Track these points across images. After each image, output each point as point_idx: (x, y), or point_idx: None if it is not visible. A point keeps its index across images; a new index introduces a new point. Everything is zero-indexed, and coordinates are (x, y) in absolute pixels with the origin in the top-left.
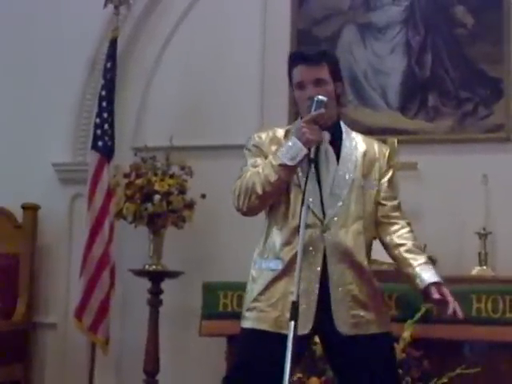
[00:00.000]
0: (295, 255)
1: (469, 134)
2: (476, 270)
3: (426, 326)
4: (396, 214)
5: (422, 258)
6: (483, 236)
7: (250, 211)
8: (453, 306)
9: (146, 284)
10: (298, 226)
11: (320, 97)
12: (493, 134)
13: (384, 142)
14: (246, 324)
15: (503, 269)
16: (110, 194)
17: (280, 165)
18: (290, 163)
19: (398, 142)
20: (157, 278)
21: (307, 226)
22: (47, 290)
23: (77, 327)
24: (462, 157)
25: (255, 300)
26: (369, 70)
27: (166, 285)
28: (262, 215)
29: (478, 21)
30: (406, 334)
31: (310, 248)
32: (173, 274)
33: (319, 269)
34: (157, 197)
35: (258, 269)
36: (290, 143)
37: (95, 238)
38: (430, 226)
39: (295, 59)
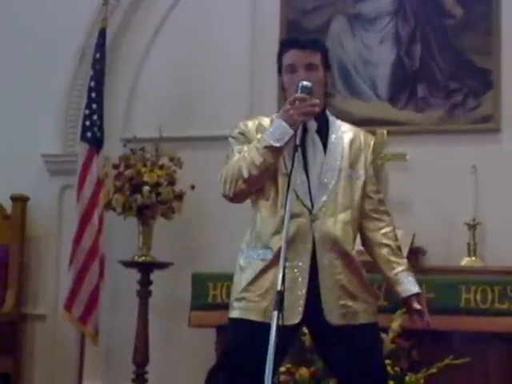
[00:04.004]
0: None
1: (458, 124)
2: (465, 261)
3: None
4: (383, 208)
5: (404, 263)
6: (472, 227)
7: (236, 197)
8: (427, 317)
9: (135, 275)
10: (289, 215)
11: (305, 82)
12: (482, 125)
13: (373, 132)
14: (235, 314)
15: (492, 259)
16: (99, 185)
17: (265, 147)
18: (276, 144)
19: (388, 133)
20: (146, 269)
21: (296, 215)
22: (36, 281)
23: (66, 318)
24: (451, 147)
25: (244, 290)
26: (358, 61)
27: (155, 276)
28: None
29: (467, 12)
30: (395, 325)
31: (299, 237)
32: (162, 265)
33: (309, 259)
34: (146, 188)
35: (246, 258)
36: (275, 124)
37: (84, 229)
38: (420, 217)
39: (287, 44)
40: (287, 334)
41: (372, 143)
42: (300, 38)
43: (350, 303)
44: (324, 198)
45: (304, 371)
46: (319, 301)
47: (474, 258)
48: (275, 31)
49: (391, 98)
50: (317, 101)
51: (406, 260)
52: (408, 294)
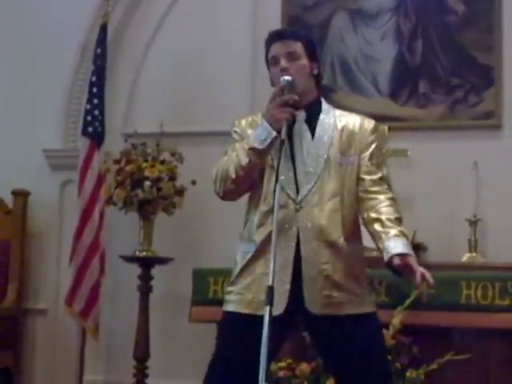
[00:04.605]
0: (267, 236)
1: (459, 120)
2: (466, 257)
3: (416, 312)
4: (375, 188)
5: (393, 231)
6: (473, 223)
7: (226, 195)
8: (420, 273)
9: (136, 270)
10: (272, 208)
11: (286, 77)
12: (483, 121)
13: None
14: (225, 307)
15: (493, 256)
16: (100, 180)
17: (250, 148)
18: (259, 146)
19: (389, 129)
20: (147, 264)
21: (281, 207)
22: (37, 276)
23: (67, 313)
24: (452, 144)
25: (232, 283)
26: (359, 57)
27: (156, 271)
28: None
29: (468, 8)
30: (396, 321)
31: (284, 228)
32: (163, 261)
33: (293, 249)
34: (147, 183)
35: (238, 252)
36: (260, 126)
37: (85, 224)
38: (421, 213)
39: (271, 38)
40: (279, 325)
41: (370, 127)
42: (280, 30)
43: (334, 294)
44: (309, 187)
45: (304, 366)
46: (301, 290)
47: (474, 254)
48: (276, 27)
49: (393, 93)
50: (292, 96)
51: (398, 228)
52: (389, 255)
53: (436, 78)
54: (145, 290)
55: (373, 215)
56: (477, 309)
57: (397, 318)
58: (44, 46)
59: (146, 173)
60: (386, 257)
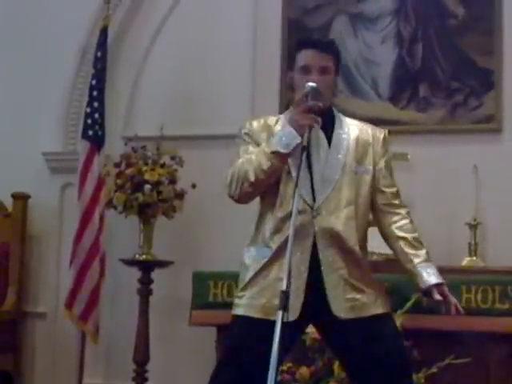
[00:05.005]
0: (284, 242)
1: (459, 124)
2: (466, 261)
3: (416, 316)
4: (396, 201)
5: (422, 255)
6: (473, 227)
7: (242, 198)
8: (454, 305)
9: (136, 273)
10: (289, 214)
11: (311, 84)
12: (483, 125)
13: None
14: (236, 311)
15: (493, 259)
16: (100, 184)
17: (273, 152)
18: (283, 150)
19: (389, 133)
20: (147, 267)
21: (298, 213)
22: (37, 279)
23: (67, 317)
24: (452, 147)
25: (245, 287)
26: (360, 61)
27: (156, 274)
28: (253, 204)
29: (469, 11)
30: (396, 324)
31: (300, 234)
32: (163, 264)
33: (308, 255)
34: (147, 186)
35: (250, 257)
36: (283, 130)
37: (85, 228)
38: (421, 217)
39: (304, 44)
40: (287, 331)
41: (382, 137)
42: (317, 39)
43: (356, 296)
44: (326, 194)
45: (304, 370)
46: (324, 296)
47: (474, 258)
48: (277, 30)
49: (393, 97)
50: (317, 103)
51: (424, 251)
52: (427, 285)
53: (436, 82)
54: (145, 293)
55: (398, 233)
56: (477, 313)
57: (397, 322)
58: (44, 48)
59: (146, 176)
60: (423, 286)
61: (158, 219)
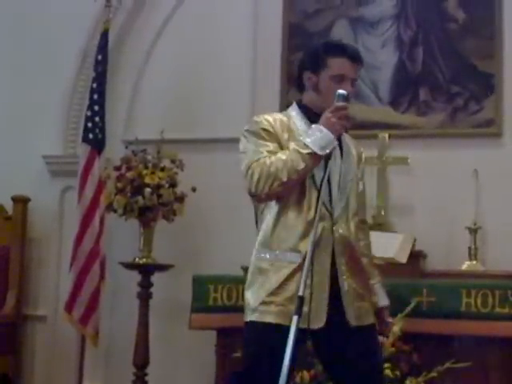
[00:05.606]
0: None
1: (460, 128)
2: (466, 265)
3: (416, 320)
4: (366, 219)
5: (378, 275)
6: (473, 231)
7: (268, 197)
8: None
9: (135, 277)
10: (313, 219)
11: (342, 91)
12: (483, 129)
13: (375, 136)
14: (261, 318)
15: (493, 264)
16: (100, 187)
17: (309, 153)
18: (320, 152)
19: (389, 137)
20: (147, 271)
21: (320, 219)
22: (37, 282)
23: (67, 320)
24: (452, 151)
25: (272, 294)
26: None
27: (155, 278)
28: (252, 208)
29: (469, 15)
30: (396, 328)
31: (323, 241)
32: (163, 267)
33: (329, 262)
34: (147, 190)
35: (269, 260)
36: (319, 132)
37: (85, 231)
38: (421, 221)
39: (338, 50)
40: (307, 337)
41: (363, 156)
42: (354, 49)
43: (362, 304)
44: (343, 202)
45: (304, 374)
46: (340, 303)
47: (474, 262)
48: (277, 34)
49: (393, 101)
50: (349, 112)
51: (377, 271)
52: (381, 305)
53: (436, 86)
54: (144, 296)
55: (364, 250)
56: (477, 317)
57: (397, 326)
58: (45, 52)
59: (147, 179)
60: (379, 304)
61: (158, 223)
